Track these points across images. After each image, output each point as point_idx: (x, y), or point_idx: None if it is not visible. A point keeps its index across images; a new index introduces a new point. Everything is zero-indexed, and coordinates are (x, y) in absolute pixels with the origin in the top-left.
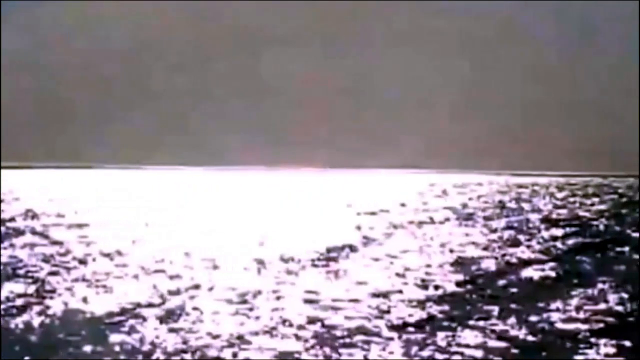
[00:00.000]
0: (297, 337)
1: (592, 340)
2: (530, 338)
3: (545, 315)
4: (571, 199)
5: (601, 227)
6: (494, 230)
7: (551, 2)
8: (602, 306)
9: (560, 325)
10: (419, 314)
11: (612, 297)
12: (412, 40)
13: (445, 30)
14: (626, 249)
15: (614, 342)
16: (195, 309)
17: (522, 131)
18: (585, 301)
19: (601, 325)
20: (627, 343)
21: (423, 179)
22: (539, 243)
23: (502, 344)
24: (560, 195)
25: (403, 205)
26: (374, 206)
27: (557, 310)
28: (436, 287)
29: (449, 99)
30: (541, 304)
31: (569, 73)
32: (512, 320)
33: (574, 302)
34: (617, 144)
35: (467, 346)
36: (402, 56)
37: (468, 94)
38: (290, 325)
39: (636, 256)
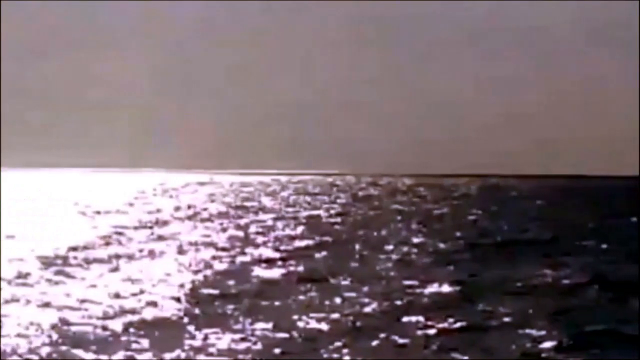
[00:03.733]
0: (44, 342)
1: (334, 340)
2: (275, 336)
3: (287, 315)
4: (295, 198)
5: (332, 226)
6: (227, 230)
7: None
8: (340, 306)
9: (302, 325)
10: (160, 314)
11: (350, 296)
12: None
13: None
14: (357, 246)
15: (357, 342)
16: None
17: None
18: (324, 300)
19: (343, 324)
20: (372, 343)
21: (147, 179)
22: (272, 242)
23: (246, 345)
24: (284, 194)
25: (130, 205)
26: (102, 206)
27: (298, 309)
28: (181, 287)
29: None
30: (282, 304)
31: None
32: (254, 319)
33: (314, 301)
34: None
35: (212, 345)
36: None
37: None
38: (37, 329)
39: (366, 253)
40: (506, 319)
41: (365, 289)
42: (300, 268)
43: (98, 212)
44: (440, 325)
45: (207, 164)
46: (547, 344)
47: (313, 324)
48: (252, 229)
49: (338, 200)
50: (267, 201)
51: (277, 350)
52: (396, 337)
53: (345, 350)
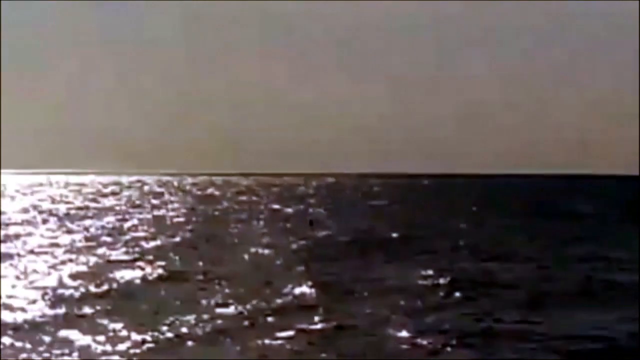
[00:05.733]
0: None
1: (194, 341)
2: (135, 337)
3: (146, 316)
4: (136, 198)
5: (179, 226)
6: (74, 231)
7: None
8: (196, 307)
9: (161, 327)
10: (18, 317)
11: (206, 297)
12: None
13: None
14: (207, 247)
15: (214, 344)
16: None
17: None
18: (180, 301)
19: (200, 326)
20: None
21: None
22: (122, 243)
23: (107, 346)
24: (125, 194)
25: None
26: None
27: (156, 311)
28: (37, 289)
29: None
30: (140, 305)
31: None
32: (114, 320)
33: (171, 302)
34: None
35: (73, 347)
36: None
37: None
38: None
39: (218, 253)
40: (363, 320)
41: (221, 290)
42: (154, 269)
43: None
44: (298, 326)
45: (41, 164)
46: (406, 346)
47: (172, 326)
48: (100, 230)
49: (180, 201)
50: (109, 202)
51: (137, 351)
52: (253, 339)
53: (203, 352)
